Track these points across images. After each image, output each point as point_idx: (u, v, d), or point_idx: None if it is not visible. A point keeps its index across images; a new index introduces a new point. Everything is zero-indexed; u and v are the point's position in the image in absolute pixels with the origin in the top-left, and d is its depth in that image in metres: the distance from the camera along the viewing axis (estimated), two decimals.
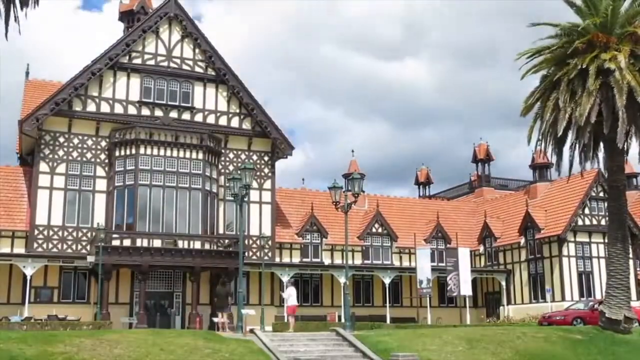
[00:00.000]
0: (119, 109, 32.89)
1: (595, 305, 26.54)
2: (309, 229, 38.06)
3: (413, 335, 20.63)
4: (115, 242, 30.23)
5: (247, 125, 35.46)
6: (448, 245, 40.67)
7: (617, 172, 24.38)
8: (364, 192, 32.69)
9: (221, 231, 33.77)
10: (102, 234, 29.20)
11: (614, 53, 22.40)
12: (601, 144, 24.50)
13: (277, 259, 35.71)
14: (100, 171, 32.38)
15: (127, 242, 30.42)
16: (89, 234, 31.35)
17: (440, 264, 39.26)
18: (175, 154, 32.32)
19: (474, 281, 38.25)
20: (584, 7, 24.06)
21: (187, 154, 32.50)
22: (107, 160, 32.48)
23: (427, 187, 54.87)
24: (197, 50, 34.67)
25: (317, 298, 37.62)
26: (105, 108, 32.69)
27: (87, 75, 31.91)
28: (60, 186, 31.48)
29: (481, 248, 42.75)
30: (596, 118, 22.37)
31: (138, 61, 33.56)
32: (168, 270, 31.83)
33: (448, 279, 36.39)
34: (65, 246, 31.05)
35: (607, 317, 23.36)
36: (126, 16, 38.58)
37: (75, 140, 32.20)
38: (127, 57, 33.26)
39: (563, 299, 36.74)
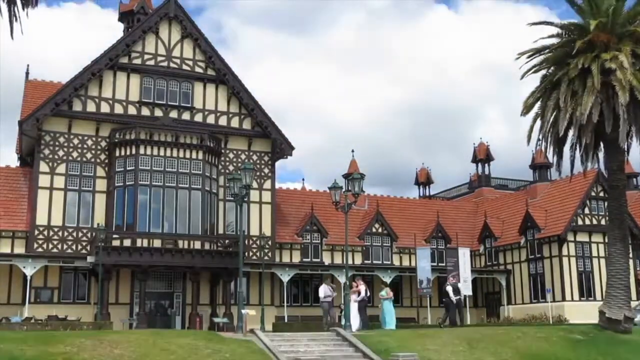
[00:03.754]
0: (118, 109, 32.89)
1: None
2: (309, 229, 38.03)
3: (413, 335, 20.61)
4: (116, 243, 30.24)
5: (247, 125, 35.46)
6: (448, 245, 40.66)
7: (617, 172, 24.36)
8: (364, 192, 32.65)
9: (221, 231, 33.76)
10: (102, 234, 29.21)
11: (615, 53, 22.37)
12: (601, 144, 24.47)
13: (277, 259, 35.71)
14: (100, 171, 32.37)
15: (127, 242, 30.42)
16: (89, 234, 31.34)
17: (440, 264, 39.23)
18: (175, 154, 32.31)
19: (474, 281, 38.26)
20: (585, 6, 24.04)
21: (187, 154, 32.49)
22: (107, 161, 32.47)
23: (427, 187, 54.87)
24: (197, 51, 34.68)
25: (318, 298, 37.48)
26: (105, 108, 32.69)
27: (87, 75, 31.93)
28: (60, 186, 31.48)
29: (481, 248, 42.74)
30: (597, 118, 22.36)
31: (138, 61, 33.57)
32: (168, 270, 31.84)
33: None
34: (65, 246, 31.05)
35: (607, 317, 23.34)
36: (126, 16, 38.60)
37: (75, 141, 32.20)
38: (127, 58, 33.27)
39: (563, 299, 36.76)
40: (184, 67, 34.44)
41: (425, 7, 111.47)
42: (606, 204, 31.44)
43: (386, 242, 40.26)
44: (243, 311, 21.99)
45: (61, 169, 31.70)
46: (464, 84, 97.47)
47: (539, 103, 24.77)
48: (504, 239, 41.48)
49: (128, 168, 31.64)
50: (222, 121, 34.96)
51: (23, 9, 17.11)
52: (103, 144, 32.52)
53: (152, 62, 33.78)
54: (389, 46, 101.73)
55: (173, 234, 31.41)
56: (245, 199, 26.03)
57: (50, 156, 31.61)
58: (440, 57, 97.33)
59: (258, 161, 35.36)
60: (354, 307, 24.44)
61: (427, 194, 54.55)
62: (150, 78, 33.65)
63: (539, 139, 24.74)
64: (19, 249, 30.63)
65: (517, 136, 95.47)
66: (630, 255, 26.34)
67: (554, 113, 23.72)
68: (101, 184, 32.23)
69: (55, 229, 30.98)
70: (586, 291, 37.72)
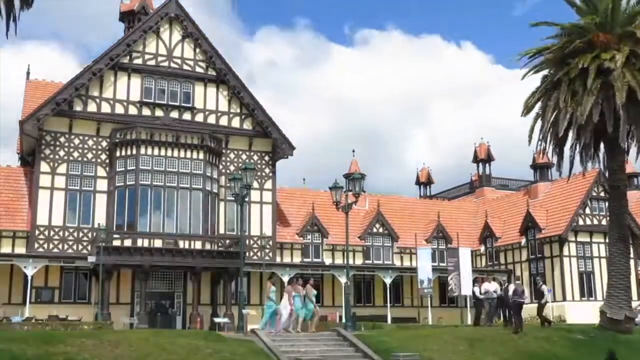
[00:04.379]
0: (119, 109, 32.89)
1: None
2: (309, 229, 38.03)
3: (414, 335, 20.64)
4: (116, 242, 30.22)
5: (247, 125, 35.46)
6: (449, 245, 40.63)
7: (617, 172, 24.38)
8: (364, 192, 32.62)
9: (222, 231, 33.76)
10: (103, 234, 29.19)
11: (614, 52, 22.38)
12: (602, 144, 24.48)
13: (278, 259, 35.70)
14: (101, 171, 32.38)
15: (128, 242, 30.40)
16: (89, 234, 31.35)
17: (441, 264, 39.22)
18: (176, 154, 32.31)
19: (474, 281, 38.17)
20: (584, 6, 24.06)
21: (188, 154, 32.49)
22: (107, 161, 32.47)
23: (427, 187, 54.89)
24: (197, 51, 34.68)
25: (318, 298, 36.92)
26: (106, 108, 32.70)
27: (87, 75, 31.93)
28: (61, 186, 31.48)
29: (482, 248, 42.73)
30: (597, 118, 22.36)
31: (139, 61, 33.56)
32: (169, 270, 31.82)
33: (449, 279, 36.31)
34: (66, 246, 31.05)
35: (608, 316, 23.36)
36: (127, 16, 38.66)
37: (76, 141, 32.20)
38: (128, 57, 33.26)
39: (564, 299, 36.75)
40: (185, 67, 34.43)
41: (323, 53, 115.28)
42: (607, 204, 31.43)
43: (387, 242, 40.26)
44: (244, 311, 22.01)
45: (62, 169, 31.70)
46: (379, 111, 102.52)
47: (539, 103, 24.78)
48: (504, 239, 41.48)
49: (129, 168, 31.65)
50: (223, 121, 34.96)
51: (22, 9, 17.03)
52: (104, 144, 32.52)
53: (152, 62, 33.78)
54: (294, 87, 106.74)
55: (174, 234, 31.41)
56: (246, 199, 26.03)
57: (51, 156, 31.62)
58: (350, 91, 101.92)
59: (259, 161, 35.36)
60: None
61: (428, 194, 54.57)
62: (151, 78, 33.65)
63: (539, 139, 24.75)
64: (20, 249, 30.64)
65: (441, 155, 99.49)
66: (631, 255, 26.28)
67: (554, 113, 23.73)
68: (102, 184, 32.23)
69: (56, 229, 30.99)
70: (587, 291, 37.73)
